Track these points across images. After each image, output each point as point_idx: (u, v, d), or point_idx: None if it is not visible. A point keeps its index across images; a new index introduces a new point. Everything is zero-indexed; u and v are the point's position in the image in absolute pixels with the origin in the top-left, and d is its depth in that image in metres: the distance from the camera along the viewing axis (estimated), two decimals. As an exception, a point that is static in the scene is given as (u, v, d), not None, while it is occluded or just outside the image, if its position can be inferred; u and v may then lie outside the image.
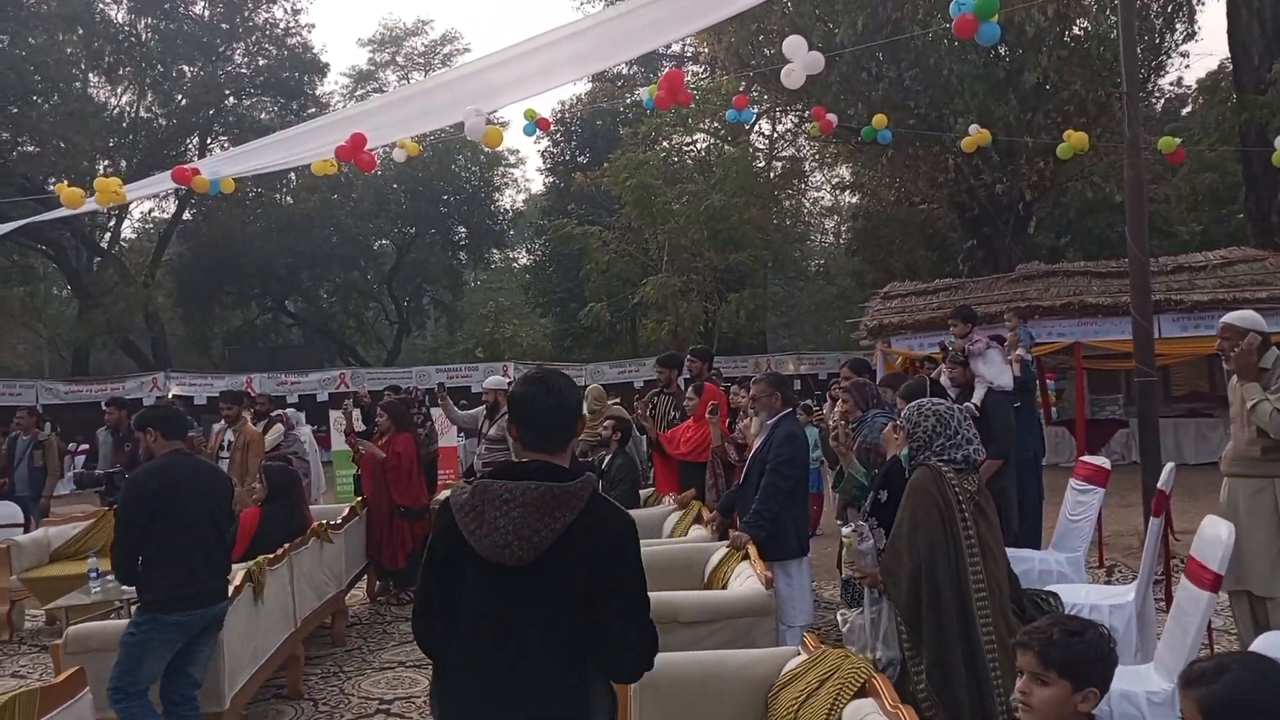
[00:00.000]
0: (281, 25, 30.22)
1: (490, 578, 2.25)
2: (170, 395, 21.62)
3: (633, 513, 6.64)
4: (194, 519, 4.22)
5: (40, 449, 9.78)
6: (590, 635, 2.26)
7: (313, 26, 47.17)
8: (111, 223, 29.12)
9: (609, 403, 8.77)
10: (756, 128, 29.28)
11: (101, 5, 27.37)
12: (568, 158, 31.84)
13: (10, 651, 7.05)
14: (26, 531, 8.25)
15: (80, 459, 15.79)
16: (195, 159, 25.68)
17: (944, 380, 6.75)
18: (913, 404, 3.83)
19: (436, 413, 10.67)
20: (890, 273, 24.17)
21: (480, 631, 2.28)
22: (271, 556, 5.40)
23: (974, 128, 11.30)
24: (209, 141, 29.46)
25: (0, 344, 31.40)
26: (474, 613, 2.29)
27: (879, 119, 11.35)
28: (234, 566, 5.19)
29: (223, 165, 11.52)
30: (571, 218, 26.68)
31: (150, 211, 32.67)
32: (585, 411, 8.73)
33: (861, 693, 2.95)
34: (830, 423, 6.49)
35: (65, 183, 10.89)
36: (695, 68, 28.68)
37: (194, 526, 4.22)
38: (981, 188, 18.50)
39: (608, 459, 7.52)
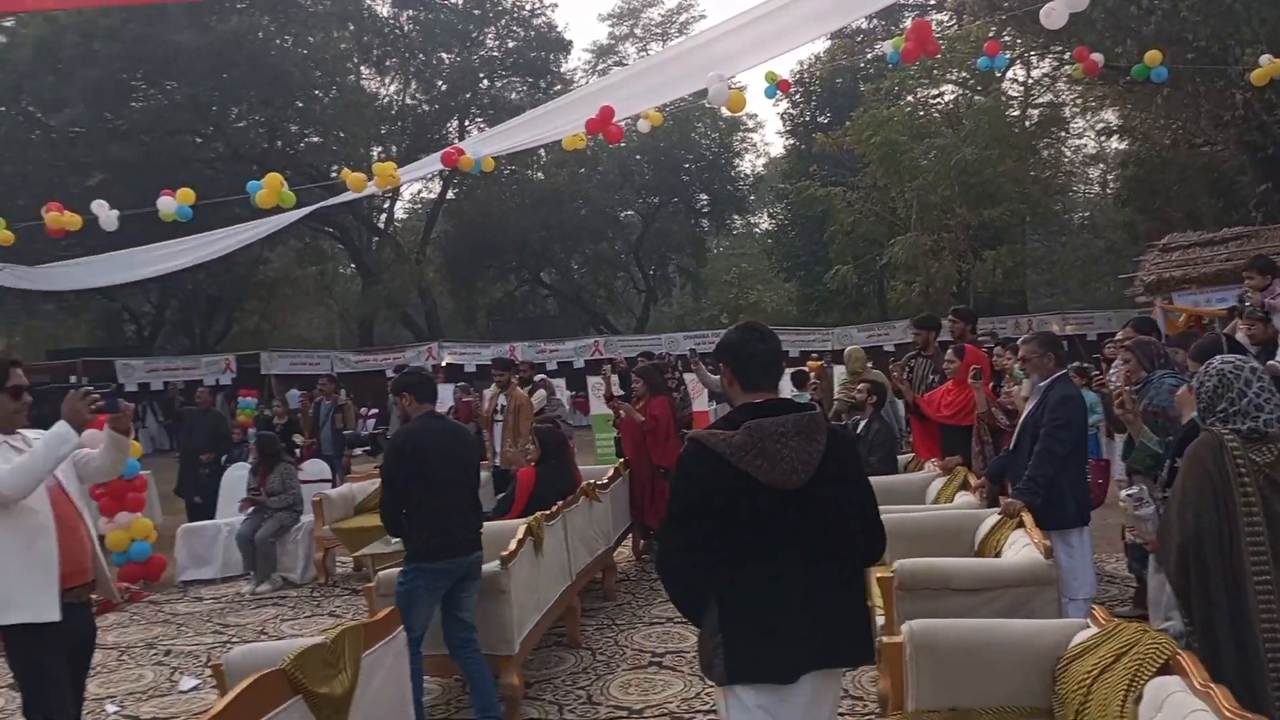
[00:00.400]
0: (528, 7, 31.51)
1: (775, 506, 2.52)
2: (444, 363, 23.34)
3: (893, 479, 6.61)
4: (445, 476, 4.55)
5: (340, 413, 10.86)
6: (853, 534, 2.62)
7: (556, 5, 48.79)
8: (386, 204, 31.63)
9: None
10: (1009, 74, 27.57)
11: (369, 1, 29.63)
12: (808, 118, 31.32)
13: (326, 593, 7.95)
14: (334, 487, 9.21)
15: (370, 422, 17.35)
16: (455, 141, 27.37)
17: (1241, 337, 6.17)
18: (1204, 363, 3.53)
19: (689, 377, 10.91)
20: (1168, 223, 22.15)
21: (761, 564, 2.53)
22: (547, 513, 5.74)
23: (1265, 58, 10.15)
24: (466, 124, 31.28)
25: (298, 318, 35.07)
26: (753, 545, 2.53)
27: (1152, 55, 10.43)
28: (513, 523, 5.62)
29: (483, 145, 12.22)
30: (814, 179, 26.27)
31: (419, 192, 35.21)
32: (846, 373, 8.67)
33: (1164, 669, 2.79)
34: (1112, 386, 6.08)
35: (346, 169, 11.91)
36: (940, 16, 27.33)
37: (446, 483, 4.55)
38: (1276, 124, 16.55)
39: (863, 423, 7.43)
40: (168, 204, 10.23)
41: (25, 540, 3.42)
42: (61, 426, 3.46)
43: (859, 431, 7.29)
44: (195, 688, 5.72)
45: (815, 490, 2.54)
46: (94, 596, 3.87)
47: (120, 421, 3.74)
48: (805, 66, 30.72)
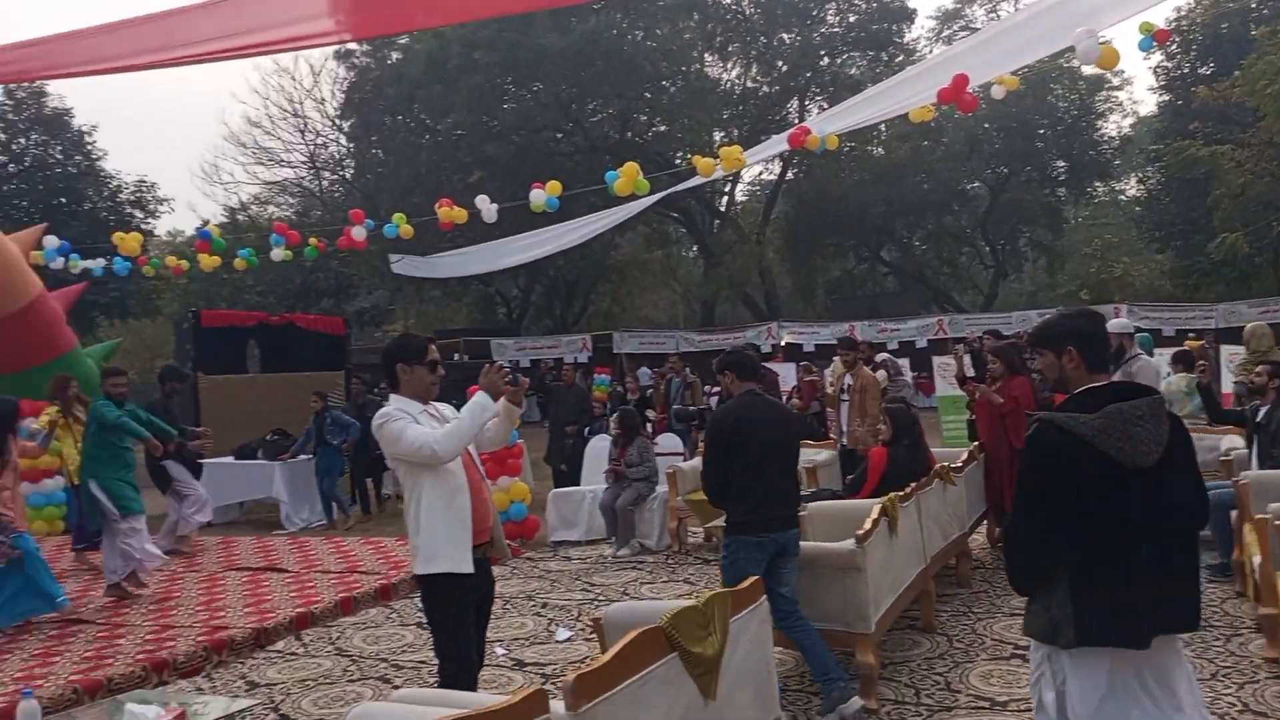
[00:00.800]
0: (871, -22, 30.81)
1: (1130, 484, 2.65)
2: (783, 343, 23.58)
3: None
4: (764, 452, 4.62)
5: (689, 389, 11.33)
6: (1192, 507, 2.78)
7: (900, -27, 47.20)
8: (728, 188, 32.38)
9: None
10: None
11: (712, -11, 30.40)
12: (1186, 70, 28.06)
13: (680, 560, 8.35)
14: (687, 460, 9.63)
15: (714, 400, 17.90)
16: (795, 121, 27.44)
17: None
18: None
19: (1049, 358, 10.23)
20: None
21: (1113, 538, 2.66)
22: (901, 494, 5.65)
23: None
24: (806, 103, 31.21)
25: (645, 300, 36.96)
26: (1108, 521, 2.67)
27: None
28: (867, 502, 5.59)
29: (828, 123, 12.15)
30: (1194, 138, 23.51)
31: (759, 174, 35.70)
32: (1246, 353, 7.75)
33: None
34: None
35: (696, 155, 12.34)
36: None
37: (765, 459, 4.61)
38: None
39: (1264, 410, 6.58)
40: (538, 196, 11.18)
41: (447, 499, 3.88)
42: (481, 396, 3.91)
43: (1259, 420, 6.47)
44: (569, 639, 6.23)
45: (1162, 468, 2.67)
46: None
47: (516, 395, 4.16)
48: (1184, 13, 27.53)
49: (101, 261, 14.23)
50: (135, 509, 7.50)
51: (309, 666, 5.91)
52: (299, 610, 6.87)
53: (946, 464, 6.81)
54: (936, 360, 15.38)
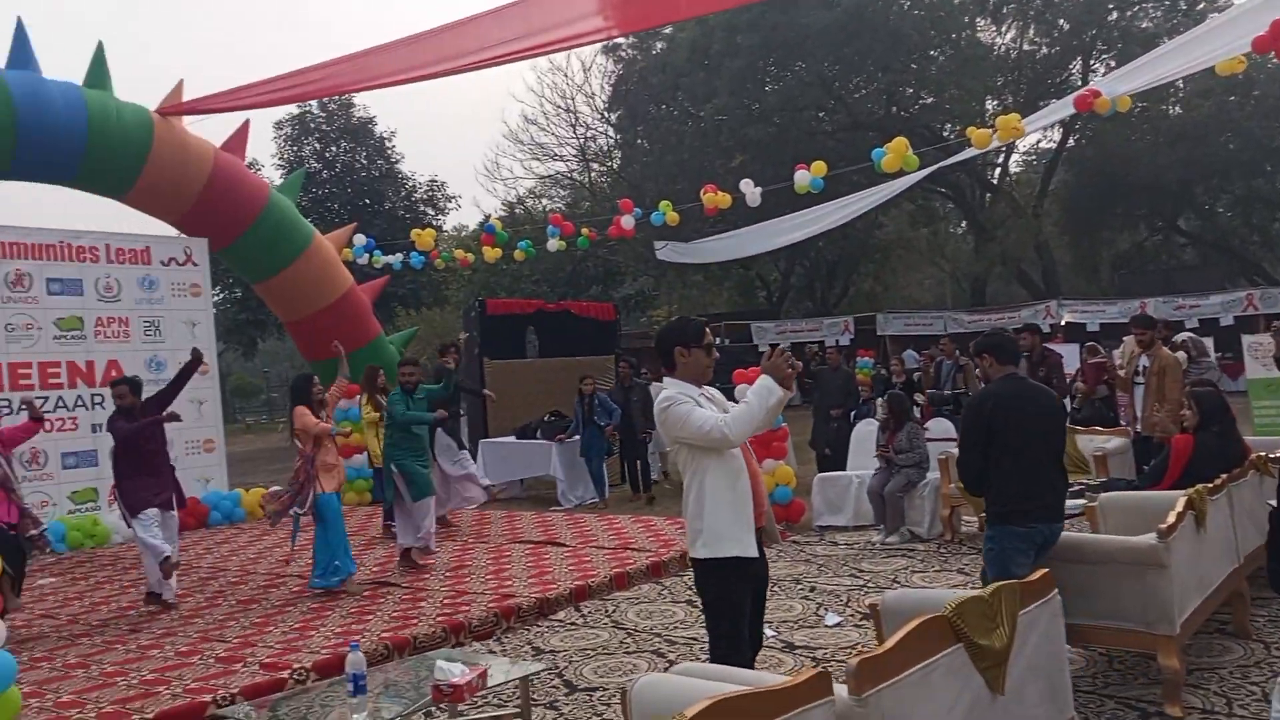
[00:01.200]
0: (1170, -79, 28.02)
1: None
2: (1063, 322, 22.10)
3: None
4: (1025, 439, 4.40)
5: (961, 373, 10.88)
6: None
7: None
8: (1000, 158, 30.63)
9: None
10: None
11: (987, -47, 28.75)
12: None
13: (952, 550, 8.04)
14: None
15: (983, 384, 17.08)
16: (1079, 83, 25.51)
17: None
18: None
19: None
20: None
21: None
22: (1210, 486, 5.16)
23: None
24: (1091, 62, 28.92)
25: (909, 279, 35.74)
26: None
27: None
28: (1170, 494, 5.14)
29: (1119, 83, 11.27)
30: None
31: (1037, 143, 33.53)
32: None
33: None
34: None
35: (971, 127, 11.78)
36: None
37: (1026, 445, 4.40)
38: None
39: None
40: (803, 177, 11.09)
41: (730, 483, 3.88)
42: (767, 380, 3.88)
43: None
44: (839, 624, 6.18)
45: None
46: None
47: (790, 379, 4.15)
48: None
49: (400, 256, 15.59)
50: (424, 494, 8.30)
51: (588, 636, 6.21)
52: (577, 583, 7.22)
53: (1264, 454, 6.15)
54: (1246, 339, 13.82)
